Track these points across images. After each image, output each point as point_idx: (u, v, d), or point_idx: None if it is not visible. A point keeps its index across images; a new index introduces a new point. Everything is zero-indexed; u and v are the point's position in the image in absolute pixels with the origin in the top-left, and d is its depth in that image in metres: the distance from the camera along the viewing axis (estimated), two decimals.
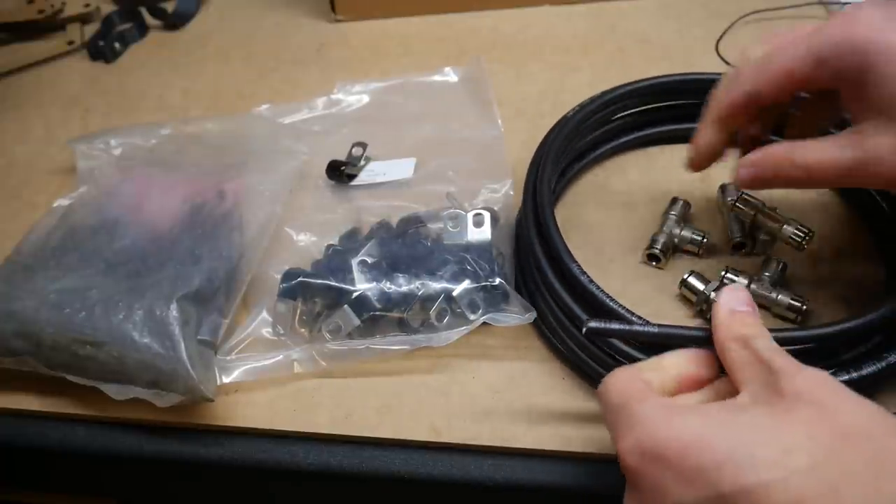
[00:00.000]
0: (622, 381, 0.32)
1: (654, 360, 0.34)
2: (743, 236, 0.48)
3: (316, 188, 0.54)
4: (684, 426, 0.28)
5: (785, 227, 0.46)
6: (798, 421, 0.27)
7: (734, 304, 0.34)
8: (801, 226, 0.46)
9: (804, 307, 0.44)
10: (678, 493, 0.27)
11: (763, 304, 0.45)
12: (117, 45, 0.72)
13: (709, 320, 0.44)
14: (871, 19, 0.35)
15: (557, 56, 0.67)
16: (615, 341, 0.39)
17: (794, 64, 0.36)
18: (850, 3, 0.66)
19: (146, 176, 0.53)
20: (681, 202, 0.49)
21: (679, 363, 0.34)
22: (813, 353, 0.38)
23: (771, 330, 0.33)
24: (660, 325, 0.36)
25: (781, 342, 0.36)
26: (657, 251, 0.47)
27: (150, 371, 0.40)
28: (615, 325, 0.36)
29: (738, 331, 0.32)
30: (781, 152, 0.38)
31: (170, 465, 0.43)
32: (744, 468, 0.26)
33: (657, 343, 0.38)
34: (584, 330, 0.36)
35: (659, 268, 0.48)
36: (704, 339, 0.35)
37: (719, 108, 0.40)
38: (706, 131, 0.42)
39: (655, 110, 0.54)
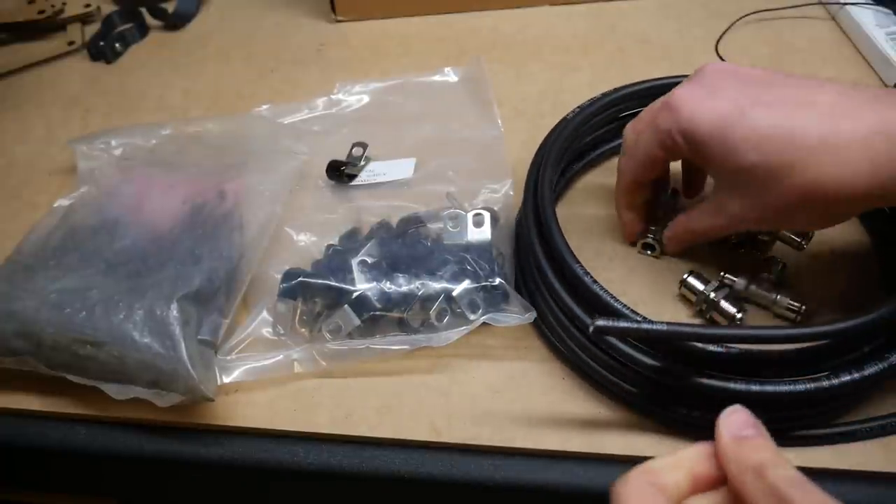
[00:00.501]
0: (635, 493, 0.29)
1: (669, 460, 0.31)
2: (743, 236, 0.48)
3: (316, 188, 0.54)
4: None
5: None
6: None
7: (737, 429, 0.30)
8: None
9: (804, 307, 0.44)
10: None
11: (763, 304, 0.45)
12: (118, 45, 0.72)
13: (709, 320, 0.44)
14: (688, 102, 0.39)
15: (557, 56, 0.67)
16: (617, 342, 0.39)
17: (651, 152, 0.42)
18: (849, 3, 0.66)
19: (146, 176, 0.53)
20: (679, 196, 0.50)
21: (694, 459, 0.31)
22: (813, 352, 0.38)
23: (771, 328, 0.33)
24: (668, 324, 0.36)
25: (782, 341, 0.36)
26: (651, 240, 0.48)
27: (150, 371, 0.40)
28: (623, 324, 0.36)
29: (751, 460, 0.29)
30: (681, 225, 0.45)
31: (170, 465, 0.43)
32: None
33: (665, 343, 0.38)
34: (591, 328, 0.35)
35: (654, 256, 0.48)
36: (712, 337, 0.35)
37: (621, 198, 0.47)
38: (623, 214, 0.48)
39: None
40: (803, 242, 0.46)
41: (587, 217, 0.51)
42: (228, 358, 0.44)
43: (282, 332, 0.45)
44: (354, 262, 0.45)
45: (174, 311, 0.41)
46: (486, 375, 0.43)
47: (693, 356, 0.37)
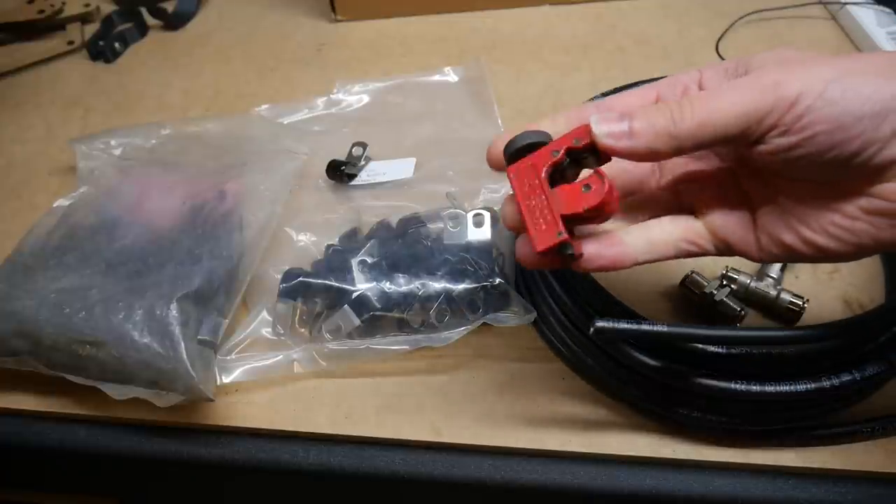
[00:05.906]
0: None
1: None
2: None
3: (316, 188, 0.54)
4: None
5: None
6: None
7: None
8: None
9: (804, 307, 0.44)
10: None
11: (763, 304, 0.45)
12: (117, 44, 0.72)
13: (709, 320, 0.44)
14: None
15: (557, 56, 0.67)
16: (617, 342, 0.39)
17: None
18: (849, 3, 0.66)
19: (146, 176, 0.53)
20: None
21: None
22: (813, 352, 0.38)
23: (771, 329, 0.33)
24: (668, 325, 0.36)
25: (782, 342, 0.36)
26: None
27: (150, 371, 0.40)
28: (623, 325, 0.35)
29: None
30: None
31: (170, 465, 0.43)
32: None
33: (666, 343, 0.38)
34: (591, 330, 0.35)
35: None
36: (712, 339, 0.35)
37: None
38: None
39: None
40: None
41: None
42: (228, 358, 0.44)
43: (282, 332, 0.45)
44: (354, 262, 0.45)
45: (174, 310, 0.41)
46: (486, 375, 0.43)
47: (693, 356, 0.37)
